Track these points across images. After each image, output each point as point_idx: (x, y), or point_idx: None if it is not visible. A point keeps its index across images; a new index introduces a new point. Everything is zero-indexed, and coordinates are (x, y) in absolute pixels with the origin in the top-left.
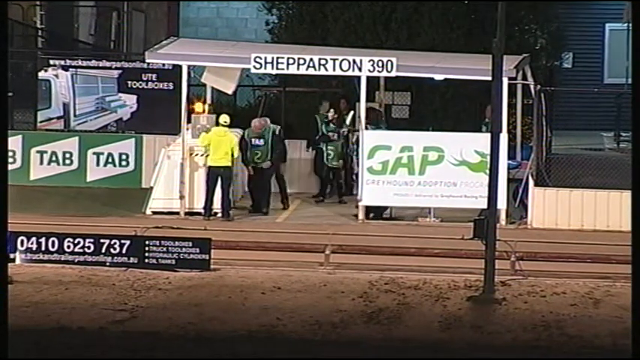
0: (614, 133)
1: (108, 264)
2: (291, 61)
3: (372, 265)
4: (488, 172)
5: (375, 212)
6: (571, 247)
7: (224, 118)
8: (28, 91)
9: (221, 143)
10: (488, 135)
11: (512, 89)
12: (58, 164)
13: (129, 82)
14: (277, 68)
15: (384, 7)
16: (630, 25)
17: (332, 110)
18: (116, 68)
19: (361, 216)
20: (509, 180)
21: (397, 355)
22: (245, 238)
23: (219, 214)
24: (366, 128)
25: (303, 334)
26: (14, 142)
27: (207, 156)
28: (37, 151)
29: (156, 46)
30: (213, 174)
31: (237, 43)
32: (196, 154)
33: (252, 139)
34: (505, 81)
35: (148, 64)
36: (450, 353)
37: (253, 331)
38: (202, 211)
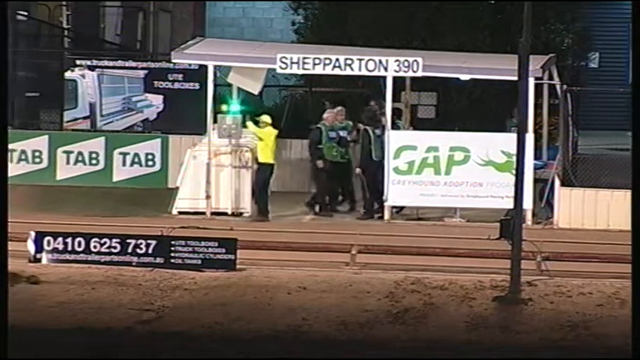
0: None
1: (134, 264)
2: (317, 61)
3: (397, 265)
4: (514, 172)
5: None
6: (597, 248)
7: (266, 118)
8: (55, 91)
9: (273, 142)
10: (515, 135)
11: (538, 89)
12: (85, 164)
13: (155, 82)
14: (303, 68)
15: (403, 6)
16: None
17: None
18: (142, 68)
19: (387, 216)
20: (535, 180)
21: (423, 355)
22: (271, 238)
23: (245, 214)
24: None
25: (329, 334)
26: (40, 143)
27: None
28: (64, 151)
29: (182, 46)
30: (268, 170)
31: (263, 43)
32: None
33: (329, 132)
34: (531, 81)
35: (174, 64)
36: (477, 354)
37: (279, 331)
38: (228, 211)
